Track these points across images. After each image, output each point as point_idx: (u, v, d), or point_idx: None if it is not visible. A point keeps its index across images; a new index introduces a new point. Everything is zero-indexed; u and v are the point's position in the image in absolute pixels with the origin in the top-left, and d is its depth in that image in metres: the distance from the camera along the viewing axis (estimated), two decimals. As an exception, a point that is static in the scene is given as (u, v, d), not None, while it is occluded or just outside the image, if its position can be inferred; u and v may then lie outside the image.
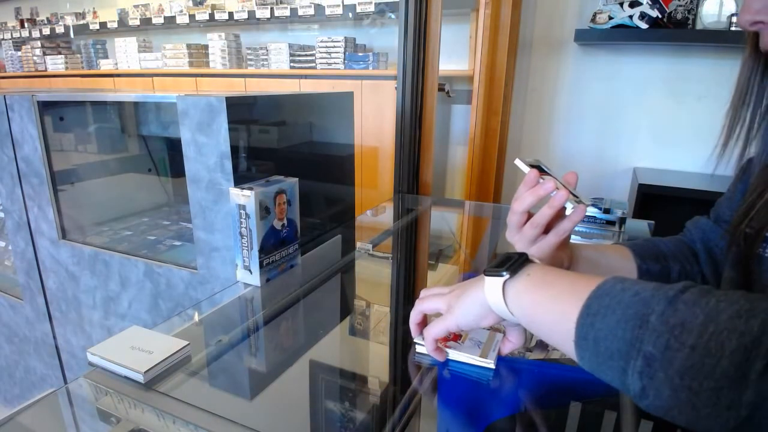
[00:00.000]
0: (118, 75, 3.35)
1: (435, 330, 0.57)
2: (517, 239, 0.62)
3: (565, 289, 0.44)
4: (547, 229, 0.60)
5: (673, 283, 0.38)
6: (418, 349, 0.65)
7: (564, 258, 0.64)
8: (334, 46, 2.55)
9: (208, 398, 0.58)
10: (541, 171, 0.60)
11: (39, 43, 3.75)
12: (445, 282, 1.00)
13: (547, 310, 0.44)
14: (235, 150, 0.93)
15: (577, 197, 0.59)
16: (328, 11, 2.58)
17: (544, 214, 0.59)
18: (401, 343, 0.73)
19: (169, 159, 1.66)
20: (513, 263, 0.49)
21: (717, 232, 0.68)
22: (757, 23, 0.49)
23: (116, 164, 1.58)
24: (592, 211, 1.17)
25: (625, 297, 0.38)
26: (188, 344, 0.63)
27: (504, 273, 0.48)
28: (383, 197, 1.64)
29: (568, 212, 0.59)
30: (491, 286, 0.49)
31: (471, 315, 0.52)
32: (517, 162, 0.61)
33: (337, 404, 0.58)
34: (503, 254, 0.51)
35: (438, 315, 0.57)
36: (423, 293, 0.62)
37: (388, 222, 1.34)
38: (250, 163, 0.97)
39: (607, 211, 1.16)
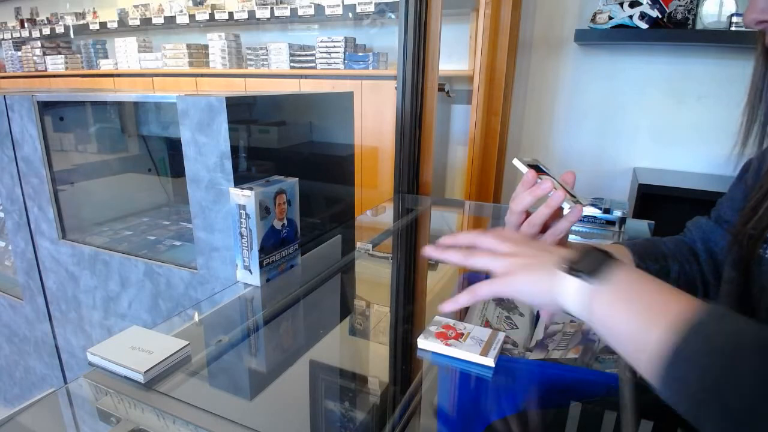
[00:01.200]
0: (118, 75, 3.35)
1: (482, 291, 0.50)
2: None
3: (653, 311, 0.40)
4: (544, 229, 0.60)
5: None
6: (420, 345, 0.65)
7: None
8: (334, 46, 2.54)
9: (208, 398, 0.58)
10: (539, 171, 0.60)
11: (39, 43, 3.75)
12: (444, 282, 1.00)
13: (628, 329, 0.41)
14: (235, 150, 0.93)
15: (574, 197, 0.59)
16: (328, 11, 2.58)
17: (541, 214, 0.59)
18: (401, 343, 0.73)
19: (169, 159, 1.66)
20: (598, 265, 0.44)
21: (718, 232, 0.68)
22: (763, 22, 0.50)
23: (116, 164, 1.58)
24: (592, 211, 1.17)
25: (719, 341, 0.36)
26: (188, 344, 0.63)
27: (588, 278, 0.43)
28: (383, 197, 1.64)
29: (565, 212, 0.60)
30: (568, 285, 0.45)
31: (531, 295, 0.48)
32: (515, 162, 0.61)
33: (337, 404, 0.58)
34: (588, 248, 0.47)
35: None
36: (470, 239, 0.54)
37: (388, 222, 1.34)
38: (250, 163, 0.97)
39: (607, 211, 1.16)
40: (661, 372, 0.37)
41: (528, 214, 0.61)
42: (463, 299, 0.52)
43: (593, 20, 1.87)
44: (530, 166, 0.60)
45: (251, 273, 0.84)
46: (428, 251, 0.56)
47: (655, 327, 0.38)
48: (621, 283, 0.43)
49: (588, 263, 0.44)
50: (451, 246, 0.55)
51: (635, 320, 0.40)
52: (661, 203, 1.72)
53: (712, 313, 0.38)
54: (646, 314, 0.40)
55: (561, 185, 0.59)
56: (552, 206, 0.58)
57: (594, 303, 0.43)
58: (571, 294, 0.45)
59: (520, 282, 0.48)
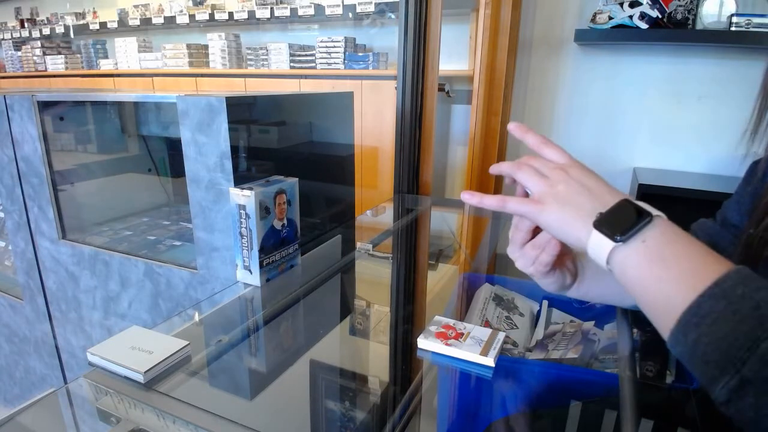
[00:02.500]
0: (118, 75, 3.35)
1: (512, 205, 0.50)
2: (518, 256, 0.60)
3: (681, 274, 0.40)
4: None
5: None
6: (420, 345, 0.65)
7: (570, 269, 0.62)
8: (334, 46, 2.54)
9: (208, 398, 0.58)
10: None
11: (39, 43, 3.75)
12: (444, 282, 1.00)
13: (653, 289, 0.41)
14: (235, 150, 0.93)
15: None
16: (328, 11, 2.58)
17: (546, 237, 0.57)
18: (401, 343, 0.73)
19: (169, 159, 1.66)
20: (629, 225, 0.43)
21: (724, 236, 0.66)
22: None
23: (116, 164, 1.58)
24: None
25: (743, 308, 0.35)
26: (188, 344, 0.63)
27: (618, 238, 0.42)
28: (383, 197, 1.64)
29: None
30: (597, 240, 0.44)
31: (559, 233, 0.47)
32: None
33: (337, 404, 0.58)
34: (622, 203, 0.45)
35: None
36: (526, 158, 0.52)
37: (388, 222, 1.34)
38: (250, 163, 0.97)
39: (607, 211, 1.16)
40: (677, 335, 0.38)
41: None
42: (489, 201, 0.51)
43: (593, 20, 1.87)
44: None
45: (251, 273, 0.84)
46: (492, 168, 0.54)
47: (681, 300, 0.38)
48: (653, 244, 0.42)
49: (618, 221, 0.43)
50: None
51: (663, 287, 0.40)
52: (661, 203, 1.71)
53: (738, 275, 0.37)
54: (673, 283, 0.39)
55: None
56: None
57: (623, 263, 0.43)
58: (598, 247, 0.44)
59: (550, 216, 0.47)
